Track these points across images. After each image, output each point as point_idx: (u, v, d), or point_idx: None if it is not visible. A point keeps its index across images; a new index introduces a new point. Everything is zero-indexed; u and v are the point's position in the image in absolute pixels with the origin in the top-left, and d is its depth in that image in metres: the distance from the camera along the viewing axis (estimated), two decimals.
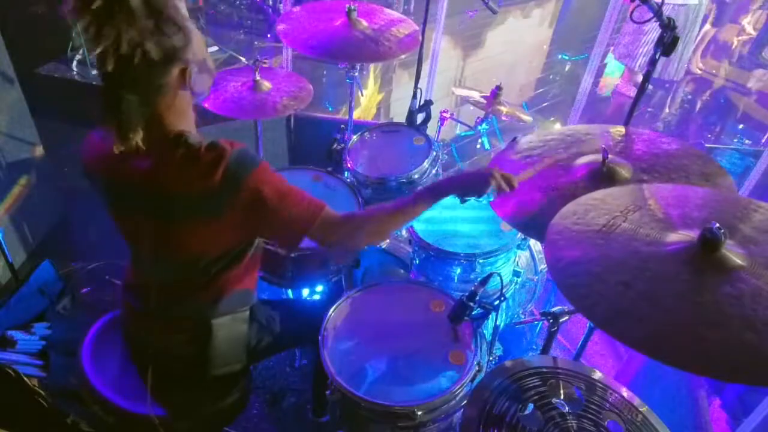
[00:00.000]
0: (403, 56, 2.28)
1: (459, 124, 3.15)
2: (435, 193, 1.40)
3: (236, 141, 1.23)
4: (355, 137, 2.45)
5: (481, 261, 1.91)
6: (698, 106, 5.29)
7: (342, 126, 2.61)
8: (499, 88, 2.44)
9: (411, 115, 2.57)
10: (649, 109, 5.11)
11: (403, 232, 2.23)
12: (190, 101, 1.28)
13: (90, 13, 1.07)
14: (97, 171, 1.32)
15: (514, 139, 1.72)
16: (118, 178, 1.28)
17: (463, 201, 1.45)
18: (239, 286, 1.46)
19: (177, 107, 1.24)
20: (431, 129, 2.64)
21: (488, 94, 2.49)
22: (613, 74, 5.47)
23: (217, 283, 1.40)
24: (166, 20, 1.12)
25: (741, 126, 5.02)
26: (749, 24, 5.71)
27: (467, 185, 1.42)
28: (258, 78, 2.27)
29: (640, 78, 5.03)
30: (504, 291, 1.70)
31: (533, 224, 1.45)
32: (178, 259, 1.36)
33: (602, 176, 1.48)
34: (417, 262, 2.09)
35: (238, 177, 1.19)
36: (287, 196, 1.25)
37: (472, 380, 1.52)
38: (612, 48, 5.08)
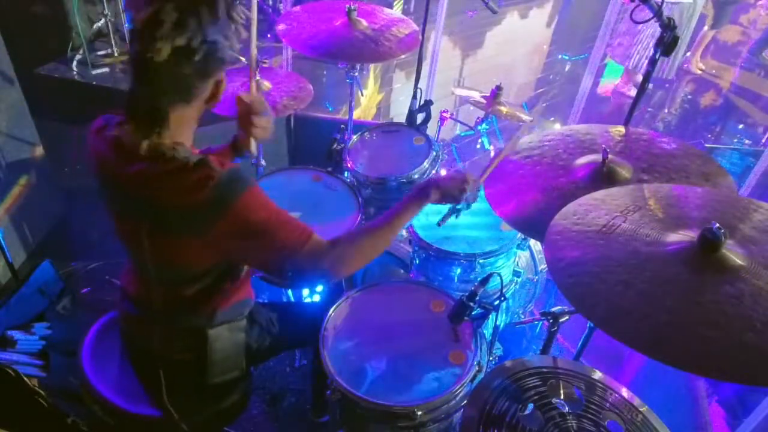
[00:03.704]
0: (403, 56, 2.28)
1: (459, 124, 3.15)
2: (417, 201, 1.39)
3: (228, 160, 1.23)
4: (355, 137, 2.45)
5: (481, 261, 1.91)
6: (700, 106, 5.30)
7: (342, 126, 2.60)
8: (499, 88, 2.44)
9: (411, 115, 2.57)
10: (649, 109, 5.11)
11: (403, 232, 2.23)
12: (196, 119, 1.28)
13: None
14: (98, 168, 1.31)
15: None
16: (115, 178, 1.27)
17: (440, 223, 1.49)
18: (235, 298, 1.46)
19: (187, 118, 1.24)
20: (431, 129, 2.64)
21: (488, 94, 2.49)
22: (613, 75, 5.46)
23: (211, 296, 1.39)
24: (234, 28, 1.16)
25: (741, 126, 5.02)
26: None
27: (445, 191, 1.42)
28: (258, 78, 2.27)
29: (639, 77, 5.05)
30: (504, 291, 1.70)
31: (533, 224, 1.45)
32: (166, 267, 1.34)
33: (602, 176, 1.48)
34: (417, 262, 2.09)
35: (226, 201, 1.17)
36: (274, 223, 1.23)
37: (472, 380, 1.52)
38: (608, 50, 5.08)
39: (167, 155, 1.18)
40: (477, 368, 1.53)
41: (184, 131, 1.24)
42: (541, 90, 5.36)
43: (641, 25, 4.34)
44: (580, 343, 1.65)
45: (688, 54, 5.67)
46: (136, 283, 1.45)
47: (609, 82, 5.48)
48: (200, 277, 1.34)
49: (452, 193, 1.43)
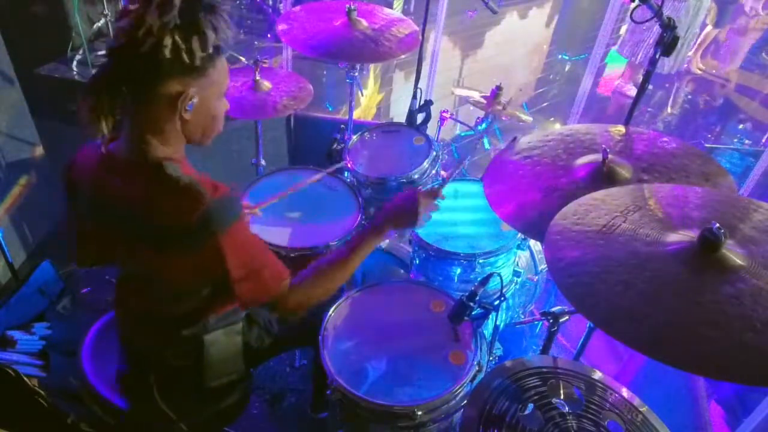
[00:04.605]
0: (403, 56, 2.28)
1: (459, 124, 3.16)
2: (372, 238, 1.39)
3: (222, 184, 1.17)
4: (355, 137, 2.45)
5: (481, 261, 1.91)
6: (699, 105, 5.30)
7: (342, 126, 2.61)
8: (499, 88, 2.44)
9: (411, 115, 2.57)
10: (649, 109, 5.11)
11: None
12: (180, 135, 1.21)
13: None
14: (81, 181, 1.28)
15: (514, 138, 1.72)
16: (101, 191, 1.25)
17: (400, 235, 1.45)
18: (230, 306, 1.44)
19: (163, 132, 1.18)
20: (431, 129, 2.64)
21: (488, 94, 2.49)
22: (617, 63, 5.46)
23: (204, 307, 1.37)
24: (195, 30, 1.08)
25: (741, 126, 5.02)
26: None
27: (399, 219, 1.41)
28: (258, 78, 2.27)
29: (640, 76, 5.05)
30: (504, 291, 1.70)
31: (533, 225, 1.45)
32: (156, 281, 1.33)
33: (602, 176, 1.48)
34: (417, 262, 2.09)
35: (210, 231, 1.13)
36: (253, 262, 1.21)
37: (472, 380, 1.52)
38: (617, 45, 5.11)
39: (158, 173, 1.15)
40: (477, 368, 1.53)
41: (168, 147, 1.19)
42: (541, 90, 5.35)
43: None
44: (580, 343, 1.65)
45: (690, 54, 5.67)
46: (129, 291, 1.45)
47: (612, 72, 5.47)
48: (191, 293, 1.33)
49: (406, 219, 1.41)
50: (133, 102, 1.15)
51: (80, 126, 1.15)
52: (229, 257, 1.16)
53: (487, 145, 3.28)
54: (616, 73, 5.46)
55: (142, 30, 1.05)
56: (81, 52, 3.20)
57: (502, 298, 1.61)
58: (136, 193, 1.18)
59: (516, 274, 2.02)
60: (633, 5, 1.57)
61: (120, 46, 1.09)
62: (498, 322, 1.73)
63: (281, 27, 2.31)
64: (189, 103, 1.15)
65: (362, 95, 4.33)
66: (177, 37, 1.07)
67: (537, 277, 2.23)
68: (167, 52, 1.06)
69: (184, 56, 1.08)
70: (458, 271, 1.98)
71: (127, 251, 1.30)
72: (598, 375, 1.38)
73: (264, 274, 1.24)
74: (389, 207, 1.43)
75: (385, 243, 2.30)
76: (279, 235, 1.97)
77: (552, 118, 4.77)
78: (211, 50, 1.12)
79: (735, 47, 5.75)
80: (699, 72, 5.74)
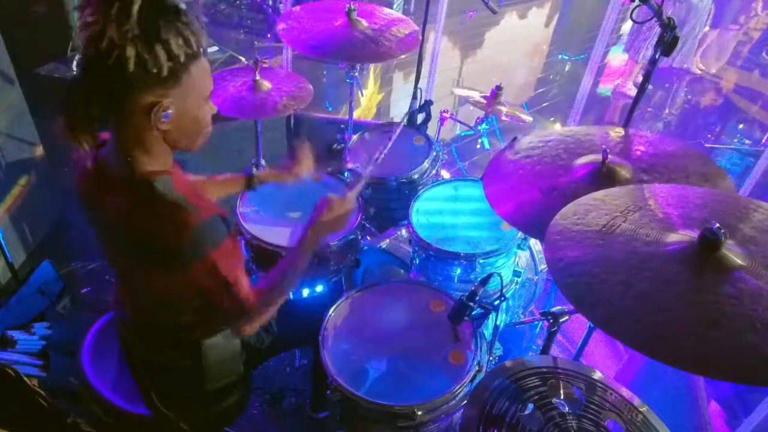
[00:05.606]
0: (403, 56, 2.28)
1: (459, 124, 3.15)
2: (303, 249, 1.36)
3: (213, 204, 1.17)
4: (355, 137, 2.45)
5: (481, 261, 1.91)
6: (700, 105, 5.30)
7: (342, 126, 2.61)
8: (499, 88, 2.44)
9: (411, 115, 2.57)
10: (649, 109, 5.11)
11: (403, 232, 2.23)
12: (164, 145, 1.18)
13: None
14: (82, 189, 1.28)
15: (515, 138, 1.72)
16: (96, 202, 1.24)
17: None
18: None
19: (145, 144, 1.15)
20: (431, 129, 2.64)
21: (488, 94, 2.49)
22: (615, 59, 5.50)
23: (200, 314, 1.37)
24: (158, 39, 1.02)
25: (741, 126, 5.02)
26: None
27: (321, 230, 1.37)
28: (258, 78, 2.26)
29: (640, 77, 5.06)
30: (504, 291, 1.70)
31: (533, 224, 1.45)
32: (149, 293, 1.34)
33: (602, 176, 1.48)
34: (417, 262, 2.09)
35: (197, 253, 1.14)
36: (231, 283, 1.22)
37: (472, 380, 1.52)
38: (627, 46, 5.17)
39: (146, 190, 1.13)
40: (477, 368, 1.53)
41: (152, 160, 1.17)
42: (541, 90, 5.35)
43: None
44: (580, 343, 1.65)
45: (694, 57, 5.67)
46: (127, 294, 1.45)
47: (614, 63, 5.50)
48: (183, 304, 1.33)
49: (330, 227, 1.38)
50: (112, 115, 1.12)
51: (62, 140, 1.14)
52: (213, 273, 1.17)
53: (487, 145, 3.28)
54: (619, 65, 5.48)
55: (104, 42, 1.00)
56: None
57: (502, 298, 1.61)
58: (127, 211, 1.16)
59: (516, 274, 2.02)
60: (633, 5, 1.57)
61: (89, 57, 1.05)
62: (498, 322, 1.73)
63: (281, 27, 2.31)
64: (163, 114, 1.10)
65: (362, 95, 4.33)
66: (140, 48, 1.01)
67: (537, 277, 2.22)
68: (131, 65, 1.01)
69: (150, 67, 1.03)
70: (458, 271, 1.98)
71: (119, 262, 1.31)
72: (598, 375, 1.38)
73: (238, 294, 1.24)
74: (309, 223, 1.37)
75: (385, 243, 2.30)
76: (279, 235, 1.97)
77: (552, 118, 4.77)
78: (182, 58, 1.06)
79: (722, 46, 5.78)
80: (699, 72, 5.74)
